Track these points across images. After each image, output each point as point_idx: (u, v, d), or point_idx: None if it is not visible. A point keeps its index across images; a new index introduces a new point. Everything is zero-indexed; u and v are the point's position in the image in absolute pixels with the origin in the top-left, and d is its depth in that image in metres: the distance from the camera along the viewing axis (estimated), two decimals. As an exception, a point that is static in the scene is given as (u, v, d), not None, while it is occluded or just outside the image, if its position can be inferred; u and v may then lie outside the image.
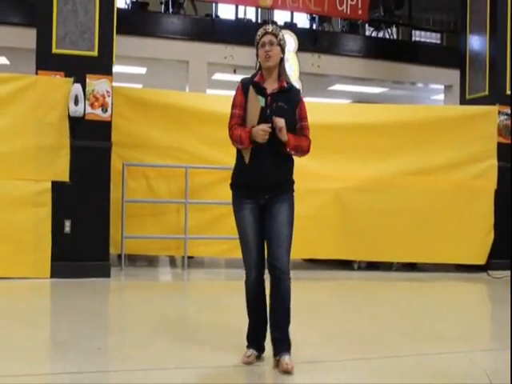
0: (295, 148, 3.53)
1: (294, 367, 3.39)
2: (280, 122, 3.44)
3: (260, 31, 3.62)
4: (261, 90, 3.54)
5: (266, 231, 3.51)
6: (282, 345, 3.48)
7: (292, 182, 3.65)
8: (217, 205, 7.33)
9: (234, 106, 3.60)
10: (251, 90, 3.52)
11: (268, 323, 3.59)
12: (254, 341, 3.65)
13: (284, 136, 3.45)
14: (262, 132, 3.41)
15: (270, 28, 3.61)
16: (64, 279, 6.20)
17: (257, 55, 3.65)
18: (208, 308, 5.26)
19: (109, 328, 4.70)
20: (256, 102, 3.49)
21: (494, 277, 7.48)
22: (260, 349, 3.65)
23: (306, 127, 3.63)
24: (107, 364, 3.63)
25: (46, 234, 6.29)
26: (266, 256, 3.57)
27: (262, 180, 3.50)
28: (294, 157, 3.64)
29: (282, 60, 3.60)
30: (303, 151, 3.59)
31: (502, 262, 7.71)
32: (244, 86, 3.58)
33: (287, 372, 3.37)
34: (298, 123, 3.59)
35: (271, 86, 3.57)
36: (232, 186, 3.65)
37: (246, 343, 3.68)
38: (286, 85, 3.58)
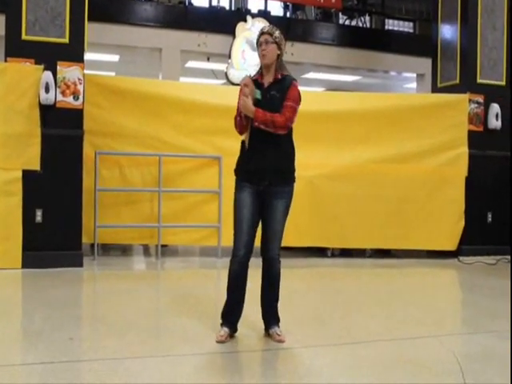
0: (264, 122, 3.69)
1: (284, 337, 3.81)
2: (243, 79, 3.77)
3: (259, 32, 3.88)
4: (258, 86, 3.79)
5: (263, 223, 3.82)
6: (273, 319, 3.90)
7: (291, 171, 3.86)
8: (191, 193, 7.32)
9: (238, 102, 3.83)
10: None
11: (243, 305, 3.88)
12: (229, 319, 3.85)
13: (250, 104, 3.69)
14: (241, 101, 3.69)
15: (266, 28, 3.87)
16: (35, 269, 6.14)
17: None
18: (182, 297, 5.26)
19: (81, 318, 4.67)
20: (254, 96, 3.75)
21: (464, 262, 7.60)
22: (233, 328, 3.85)
23: (288, 106, 3.77)
24: (80, 354, 3.61)
25: (16, 223, 6.21)
26: (256, 241, 3.84)
27: (260, 166, 3.73)
28: (287, 142, 3.85)
29: (278, 56, 3.82)
30: (275, 126, 3.71)
31: (472, 248, 7.85)
32: None
33: (280, 341, 3.78)
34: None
35: (268, 80, 3.82)
36: (235, 171, 3.88)
37: (220, 321, 3.86)
38: (279, 76, 3.81)
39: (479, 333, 4.28)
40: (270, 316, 3.92)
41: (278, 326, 3.89)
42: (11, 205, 6.21)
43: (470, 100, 8.00)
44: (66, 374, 3.17)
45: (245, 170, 3.80)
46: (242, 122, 3.77)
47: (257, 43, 3.86)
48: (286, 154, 3.83)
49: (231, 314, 3.87)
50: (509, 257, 7.66)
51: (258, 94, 3.75)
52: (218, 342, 3.74)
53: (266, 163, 3.73)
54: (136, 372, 3.21)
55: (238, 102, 3.80)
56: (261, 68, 3.88)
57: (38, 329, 4.06)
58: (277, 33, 3.81)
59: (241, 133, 3.84)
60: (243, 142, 3.84)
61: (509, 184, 7.94)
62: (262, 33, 3.83)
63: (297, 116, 3.81)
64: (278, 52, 3.80)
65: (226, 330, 3.81)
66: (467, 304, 5.62)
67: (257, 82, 3.83)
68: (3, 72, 6.18)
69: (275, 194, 3.77)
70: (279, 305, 3.96)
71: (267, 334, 3.91)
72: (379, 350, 3.76)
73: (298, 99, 3.80)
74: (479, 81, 8.10)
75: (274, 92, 3.76)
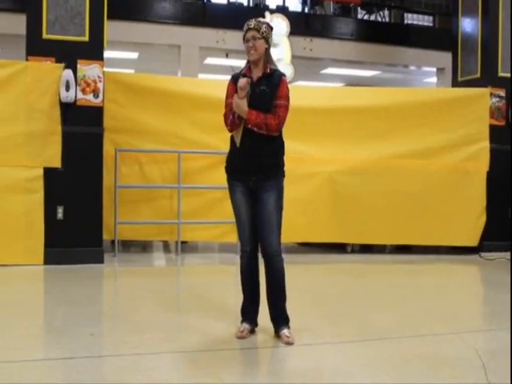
0: (257, 125, 3.64)
1: (294, 338, 3.69)
2: (241, 81, 3.63)
3: (244, 27, 3.79)
4: (250, 78, 3.73)
5: (257, 218, 3.77)
6: (281, 320, 3.79)
7: (280, 167, 3.82)
8: (210, 189, 7.33)
9: (226, 97, 3.82)
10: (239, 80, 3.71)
11: (259, 299, 3.91)
12: (247, 315, 3.88)
13: (244, 105, 3.63)
14: (236, 101, 3.62)
15: (251, 24, 3.77)
16: (57, 265, 6.21)
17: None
18: (202, 293, 5.28)
19: (102, 314, 4.71)
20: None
21: (486, 258, 7.53)
22: (253, 322, 3.87)
23: (280, 105, 3.70)
24: (100, 349, 3.65)
25: (38, 220, 6.28)
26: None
27: (248, 163, 3.72)
28: (278, 138, 3.78)
29: (266, 50, 3.77)
30: (269, 129, 3.66)
31: (493, 244, 7.77)
32: (234, 80, 3.80)
33: (288, 343, 3.66)
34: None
35: (257, 74, 3.78)
36: (225, 169, 3.89)
37: (240, 318, 3.89)
38: (268, 70, 3.77)
39: (501, 329, 4.23)
40: (278, 317, 3.81)
41: (288, 327, 3.77)
42: (33, 202, 6.28)
43: (491, 94, 7.91)
44: (87, 369, 3.20)
45: (233, 168, 3.80)
46: (235, 121, 3.68)
47: (243, 38, 3.78)
48: (275, 151, 3.77)
49: (248, 310, 3.90)
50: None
51: (249, 89, 3.68)
52: (238, 338, 3.76)
53: (254, 161, 3.70)
54: (156, 368, 3.23)
55: (228, 100, 3.75)
56: (248, 62, 3.81)
57: (59, 325, 4.11)
58: (263, 27, 3.74)
59: (231, 130, 3.77)
60: (233, 138, 3.79)
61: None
62: (248, 29, 3.75)
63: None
64: (266, 46, 3.75)
65: (245, 326, 3.84)
66: (489, 300, 5.57)
67: (246, 76, 3.75)
68: (24, 71, 6.24)
69: (264, 188, 3.72)
70: (291, 306, 3.89)
71: (277, 335, 3.79)
72: (400, 347, 3.74)
73: (288, 96, 3.76)
74: (500, 74, 8.00)
75: (263, 87, 3.71)
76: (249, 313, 3.89)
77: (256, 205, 3.76)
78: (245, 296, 3.93)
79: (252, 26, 3.74)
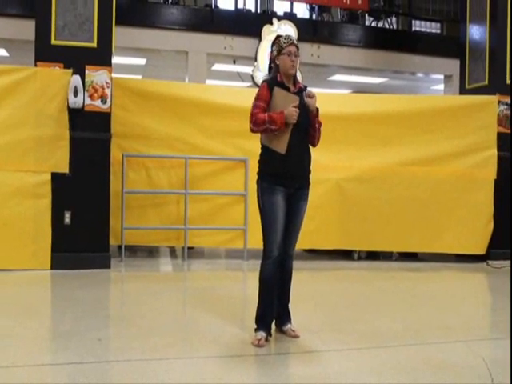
0: (320, 127, 3.95)
1: (299, 331, 3.97)
2: (311, 92, 3.87)
3: (285, 39, 3.92)
4: (287, 90, 3.87)
5: (287, 223, 3.88)
6: (286, 316, 4.03)
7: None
8: (217, 195, 7.34)
9: (258, 98, 3.87)
10: (278, 89, 3.82)
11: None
12: (265, 323, 3.87)
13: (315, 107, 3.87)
14: (295, 113, 3.71)
15: (292, 39, 3.96)
16: (64, 270, 6.23)
17: (274, 59, 3.95)
18: (208, 298, 5.28)
19: (109, 319, 4.72)
20: (286, 98, 3.79)
21: (493, 267, 7.50)
22: (269, 331, 3.88)
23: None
24: (108, 354, 3.65)
25: (45, 225, 6.31)
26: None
27: (297, 169, 3.87)
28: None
29: None
30: (319, 136, 4.01)
31: (501, 252, 7.73)
32: (270, 85, 3.88)
33: (296, 337, 3.93)
34: None
35: (292, 87, 3.93)
36: (262, 174, 3.91)
37: (254, 326, 3.87)
38: (302, 86, 3.97)
39: (508, 338, 4.21)
40: (283, 313, 4.02)
41: (291, 323, 4.01)
42: (40, 207, 6.30)
43: (499, 101, 7.89)
44: (94, 374, 3.21)
45: (278, 173, 3.83)
46: (275, 130, 3.74)
47: (281, 49, 3.87)
48: (310, 158, 4.00)
49: (268, 317, 3.89)
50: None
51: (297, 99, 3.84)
52: (256, 346, 3.72)
53: (299, 169, 3.89)
54: (163, 373, 3.24)
55: (259, 101, 3.81)
56: (277, 73, 3.91)
57: (66, 329, 4.12)
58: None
59: (255, 132, 3.86)
60: (267, 148, 3.87)
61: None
62: (292, 42, 3.89)
63: None
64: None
65: (262, 333, 3.80)
66: (496, 309, 5.54)
67: (283, 85, 3.87)
68: (33, 76, 6.28)
69: (301, 196, 3.94)
70: (297, 313, 4.02)
71: (280, 330, 4.00)
72: (406, 354, 3.73)
73: None
74: (508, 82, 7.97)
75: (303, 101, 3.84)
76: (268, 320, 3.88)
77: (292, 211, 3.89)
78: (264, 304, 3.88)
79: (294, 42, 3.91)
